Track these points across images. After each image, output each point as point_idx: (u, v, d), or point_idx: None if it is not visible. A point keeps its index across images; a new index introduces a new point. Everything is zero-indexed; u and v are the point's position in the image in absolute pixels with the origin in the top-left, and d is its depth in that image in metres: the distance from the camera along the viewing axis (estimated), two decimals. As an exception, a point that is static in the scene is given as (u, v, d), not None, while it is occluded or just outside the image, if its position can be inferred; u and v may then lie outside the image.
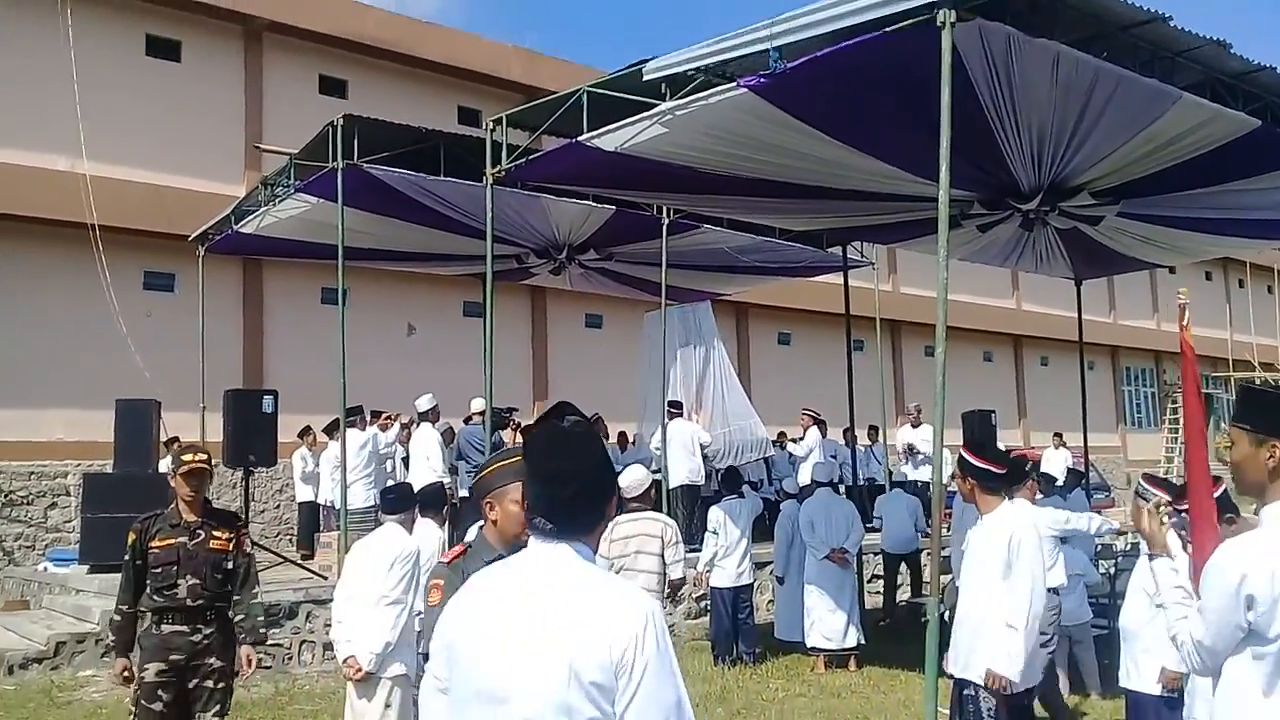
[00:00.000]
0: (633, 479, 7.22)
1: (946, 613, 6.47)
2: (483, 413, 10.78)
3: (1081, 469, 14.03)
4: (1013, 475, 7.59)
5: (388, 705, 5.60)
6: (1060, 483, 10.44)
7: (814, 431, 14.70)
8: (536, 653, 2.00)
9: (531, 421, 2.38)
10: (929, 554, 7.86)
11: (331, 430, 12.05)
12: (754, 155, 8.19)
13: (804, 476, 12.55)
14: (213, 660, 5.16)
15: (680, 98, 7.22)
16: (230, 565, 5.22)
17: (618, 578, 2.28)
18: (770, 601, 11.59)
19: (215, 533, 5.21)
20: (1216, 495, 3.68)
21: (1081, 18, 6.37)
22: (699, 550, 10.10)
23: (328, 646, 8.70)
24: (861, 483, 14.74)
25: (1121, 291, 30.42)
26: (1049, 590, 7.34)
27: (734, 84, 6.83)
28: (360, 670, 5.58)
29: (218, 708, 5.17)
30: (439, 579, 3.14)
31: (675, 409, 12.89)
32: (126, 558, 5.20)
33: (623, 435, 15.22)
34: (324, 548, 11.26)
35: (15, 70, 14.26)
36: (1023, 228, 10.17)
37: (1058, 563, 7.55)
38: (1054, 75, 6.65)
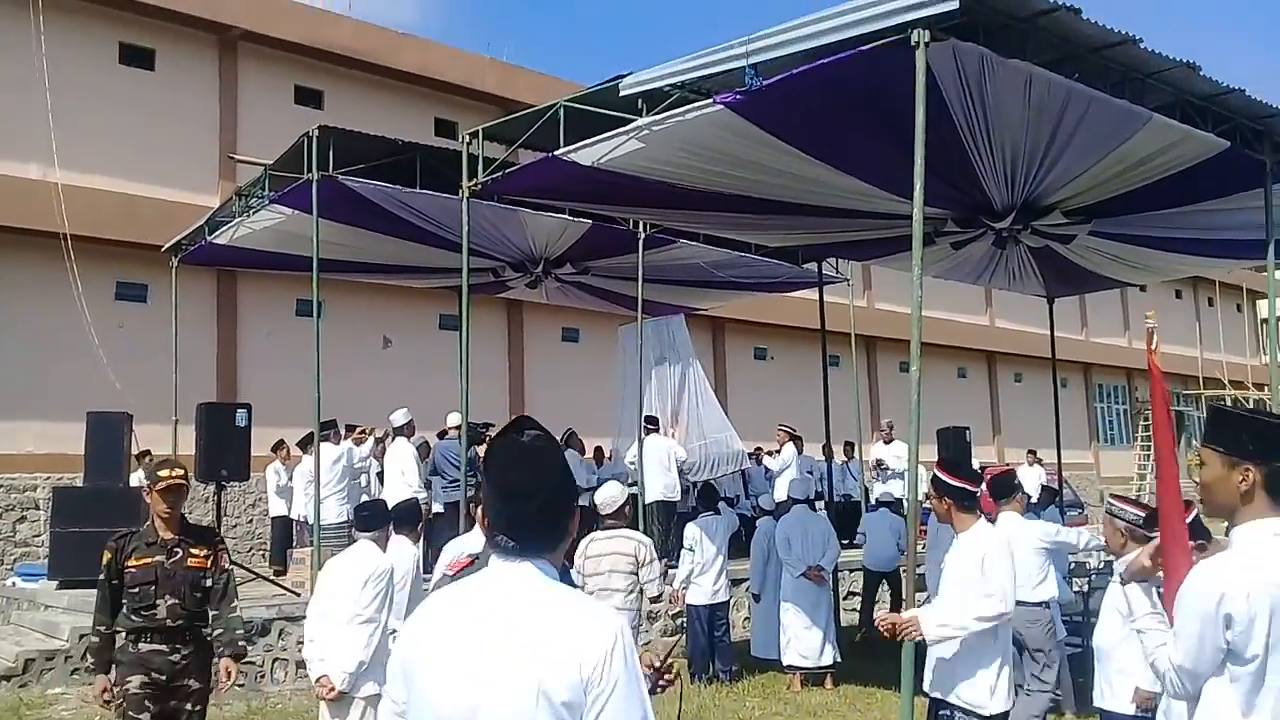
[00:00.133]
0: (607, 496, 7.19)
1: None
2: (459, 427, 10.72)
3: (1055, 486, 14.13)
4: (1002, 489, 7.66)
5: (361, 724, 5.55)
6: (1034, 499, 10.49)
7: (790, 447, 14.72)
8: (503, 673, 1.96)
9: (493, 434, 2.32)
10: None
11: (305, 444, 11.96)
12: (730, 171, 8.22)
13: (779, 492, 12.58)
14: (191, 682, 5.10)
15: (657, 113, 7.23)
16: (208, 583, 5.14)
17: (583, 595, 2.24)
18: (747, 619, 11.58)
19: (193, 550, 5.13)
20: (1189, 520, 3.68)
21: (1053, 39, 6.44)
22: (675, 567, 10.08)
23: (300, 664, 8.60)
24: (838, 499, 14.76)
25: (1094, 309, 30.70)
26: (1041, 604, 7.42)
27: (710, 100, 6.85)
28: (333, 690, 5.53)
29: None
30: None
31: (652, 425, 12.88)
32: (101, 577, 5.09)
33: (599, 450, 15.19)
34: (297, 564, 11.17)
35: (-13, 78, 14.15)
36: (996, 246, 10.25)
37: (1048, 576, 7.56)
38: (1027, 95, 6.71)
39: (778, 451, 15.18)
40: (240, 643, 5.30)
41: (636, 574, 7.11)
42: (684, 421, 13.95)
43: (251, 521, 15.87)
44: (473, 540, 5.29)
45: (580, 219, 10.89)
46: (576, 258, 12.28)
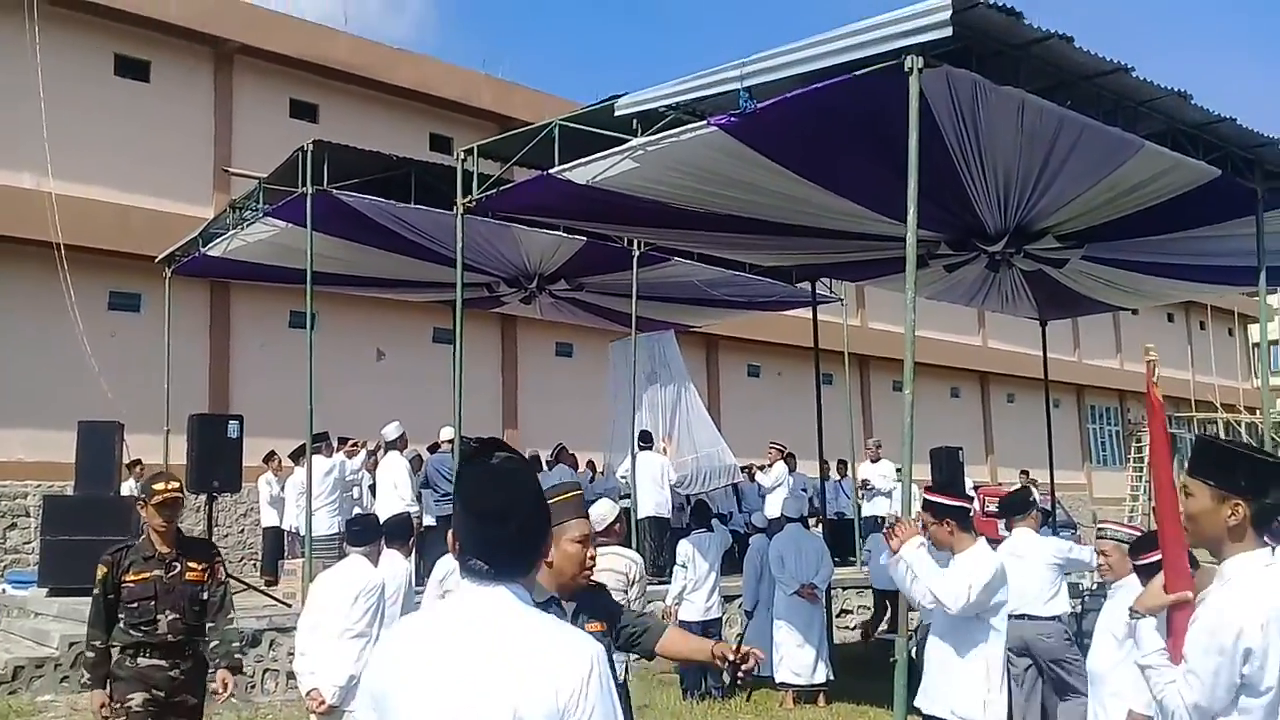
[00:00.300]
0: (599, 513, 7.16)
1: (915, 650, 6.49)
2: (451, 441, 10.72)
3: (1048, 506, 14.15)
4: (1017, 505, 7.73)
5: (349, 739, 5.55)
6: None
7: (780, 465, 14.71)
8: (477, 700, 1.93)
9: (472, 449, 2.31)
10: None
11: (297, 456, 11.95)
12: (724, 192, 8.26)
13: (770, 509, 12.59)
14: (188, 697, 5.09)
15: (652, 134, 7.27)
16: (206, 596, 5.12)
17: (558, 620, 2.21)
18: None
19: (190, 564, 5.10)
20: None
21: (1046, 67, 6.49)
22: (668, 583, 10.08)
23: (291, 675, 8.57)
24: (831, 516, 14.77)
25: (1086, 331, 30.80)
26: (1053, 618, 7.41)
27: (705, 122, 6.89)
28: (324, 703, 5.53)
29: None
30: None
31: (645, 442, 12.90)
32: (97, 592, 5.02)
33: (591, 464, 15.20)
34: (288, 574, 11.16)
35: (-17, 87, 14.17)
36: (989, 269, 10.30)
37: (1060, 590, 7.55)
38: (1019, 122, 6.76)
39: (769, 466, 15.17)
40: (237, 655, 5.29)
41: (627, 592, 7.10)
42: (676, 437, 13.97)
43: (243, 532, 15.84)
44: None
45: (574, 236, 10.93)
46: (571, 274, 12.31)
